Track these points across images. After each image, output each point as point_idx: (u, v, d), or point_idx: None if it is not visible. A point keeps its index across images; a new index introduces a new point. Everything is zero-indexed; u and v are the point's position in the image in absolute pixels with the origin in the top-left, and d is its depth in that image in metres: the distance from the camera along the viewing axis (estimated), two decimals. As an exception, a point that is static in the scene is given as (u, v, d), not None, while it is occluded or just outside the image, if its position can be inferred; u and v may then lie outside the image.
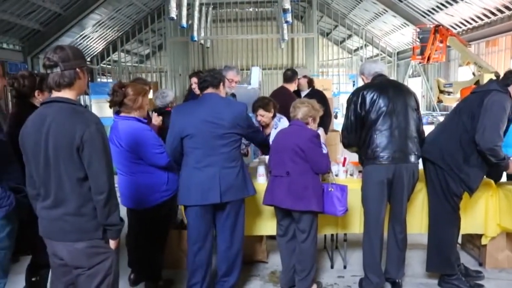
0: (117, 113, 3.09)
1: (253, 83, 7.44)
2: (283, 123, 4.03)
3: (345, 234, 3.65)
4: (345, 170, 3.60)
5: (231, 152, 2.90)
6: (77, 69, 2.00)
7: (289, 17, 13.07)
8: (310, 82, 5.57)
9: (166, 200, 3.09)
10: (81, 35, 17.51)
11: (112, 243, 2.11)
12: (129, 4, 17.42)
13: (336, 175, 3.52)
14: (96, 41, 19.21)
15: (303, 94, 5.27)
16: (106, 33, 19.19)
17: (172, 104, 4.43)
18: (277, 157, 3.07)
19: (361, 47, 19.81)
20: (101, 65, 20.14)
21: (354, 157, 3.50)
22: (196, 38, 15.73)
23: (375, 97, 3.06)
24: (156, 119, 3.84)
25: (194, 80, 4.87)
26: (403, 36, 17.30)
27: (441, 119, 3.27)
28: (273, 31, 20.33)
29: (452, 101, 11.02)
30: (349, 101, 3.17)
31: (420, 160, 3.22)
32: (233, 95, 4.34)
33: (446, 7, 12.57)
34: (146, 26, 19.41)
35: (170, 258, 3.54)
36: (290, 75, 5.08)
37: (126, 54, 20.85)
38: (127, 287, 3.28)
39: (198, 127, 2.85)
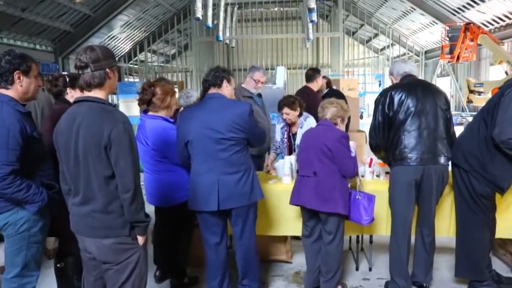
0: (144, 112, 3.14)
1: (278, 82, 7.44)
2: (309, 122, 4.02)
3: (370, 236, 3.60)
4: (371, 171, 3.56)
5: (232, 157, 2.73)
6: (107, 69, 2.06)
7: (314, 17, 12.99)
8: (328, 83, 5.54)
9: (190, 198, 3.12)
10: (109, 36, 17.90)
11: (140, 239, 2.16)
12: (156, 5, 17.68)
13: (362, 176, 3.48)
14: (124, 42, 19.59)
15: (321, 94, 5.24)
16: (134, 34, 19.54)
17: (195, 103, 4.47)
18: (305, 156, 3.06)
19: (388, 46, 19.51)
20: (128, 65, 20.50)
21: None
22: (221, 38, 15.83)
23: (403, 97, 3.01)
24: None
25: None
26: (431, 34, 16.93)
27: (471, 120, 3.18)
28: (298, 31, 20.26)
29: (482, 102, 10.73)
30: (376, 102, 3.13)
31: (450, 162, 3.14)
32: (259, 95, 4.35)
33: (478, 4, 12.25)
34: (172, 26, 19.66)
35: (195, 256, 3.57)
36: (310, 74, 5.07)
37: (152, 54, 21.18)
38: (153, 284, 3.33)
39: (196, 133, 2.74)
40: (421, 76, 17.11)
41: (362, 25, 19.93)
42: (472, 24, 11.87)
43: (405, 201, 3.05)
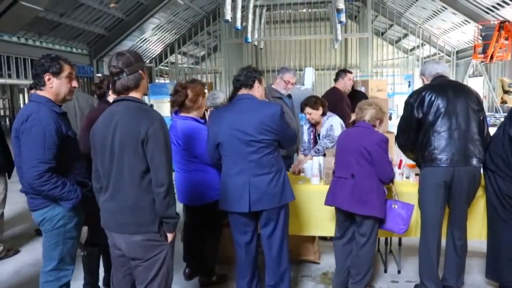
0: (175, 112, 3.22)
1: (306, 83, 7.45)
2: (331, 120, 4.04)
3: (399, 238, 3.56)
4: (401, 173, 3.52)
5: (263, 159, 2.69)
6: (139, 71, 2.16)
7: (343, 17, 12.91)
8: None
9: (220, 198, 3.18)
10: (141, 39, 18.33)
11: (169, 236, 2.21)
12: (186, 8, 17.98)
13: (391, 178, 3.45)
14: (155, 44, 20.00)
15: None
16: (164, 36, 19.93)
17: (222, 105, 4.54)
18: (342, 158, 3.04)
19: (418, 47, 19.15)
20: (159, 66, 20.89)
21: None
22: (250, 40, 15.93)
23: (433, 98, 2.98)
24: None
25: None
26: (463, 34, 16.51)
27: (504, 120, 3.14)
28: (327, 32, 20.16)
29: (517, 102, 10.39)
30: (406, 103, 3.10)
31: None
32: (289, 96, 4.38)
33: (514, 1, 11.86)
34: (202, 28, 19.93)
35: (224, 254, 3.63)
36: (336, 74, 5.11)
37: (182, 56, 21.53)
38: (182, 281, 3.40)
39: (226, 135, 2.72)
40: (452, 77, 16.71)
41: (391, 25, 19.63)
42: (507, 23, 11.50)
43: (434, 203, 3.01)
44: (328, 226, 3.39)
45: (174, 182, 2.52)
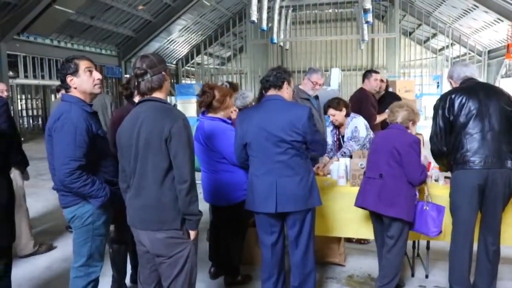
0: (203, 113, 3.25)
1: (332, 84, 7.39)
2: (355, 121, 3.99)
3: (427, 242, 3.49)
4: (429, 175, 3.45)
5: (290, 160, 2.67)
6: (163, 72, 2.21)
7: (369, 17, 12.78)
8: (386, 85, 5.41)
9: (246, 198, 3.19)
10: (168, 40, 18.60)
11: (192, 234, 2.23)
12: (213, 9, 18.14)
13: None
14: (182, 45, 20.25)
15: (377, 96, 5.13)
16: (191, 37, 20.16)
17: (251, 104, 4.55)
18: (373, 159, 3.03)
19: (447, 46, 18.72)
20: (186, 67, 21.14)
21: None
22: (275, 40, 15.94)
23: (463, 100, 2.90)
24: None
25: None
26: (495, 33, 16.02)
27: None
28: (353, 32, 19.95)
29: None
30: (436, 107, 3.03)
31: None
32: (317, 97, 4.36)
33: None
34: (228, 29, 20.06)
35: (249, 255, 3.64)
36: (363, 75, 5.03)
37: (208, 57, 21.73)
38: (208, 280, 3.43)
39: (254, 135, 2.72)
40: (483, 77, 16.28)
41: (419, 25, 19.25)
42: (543, 21, 11.10)
43: (467, 207, 2.93)
44: (354, 227, 3.35)
45: (200, 182, 2.55)
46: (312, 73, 4.19)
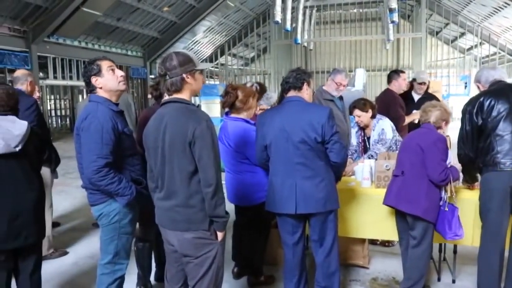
0: (226, 113, 3.27)
1: (357, 85, 7.32)
2: (381, 123, 3.94)
3: (454, 246, 3.41)
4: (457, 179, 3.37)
5: (310, 162, 2.67)
6: (183, 75, 2.16)
7: (395, 17, 12.57)
8: (427, 86, 5.29)
9: (269, 199, 3.19)
10: (192, 41, 18.78)
11: (219, 235, 2.23)
12: (237, 10, 18.22)
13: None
14: (206, 46, 20.41)
15: (416, 97, 5.04)
16: (215, 38, 20.29)
17: (275, 105, 4.55)
18: (399, 157, 3.03)
19: (476, 46, 18.22)
20: (210, 68, 21.30)
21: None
22: (299, 41, 15.88)
23: (492, 102, 2.83)
24: None
25: None
26: (528, 32, 15.51)
27: None
28: (378, 32, 19.69)
29: None
30: (463, 111, 2.97)
31: None
32: (341, 97, 4.32)
33: None
34: (252, 30, 20.11)
35: (272, 255, 3.64)
36: (388, 75, 4.95)
37: (232, 58, 21.85)
38: (231, 280, 3.45)
39: (274, 136, 2.72)
40: (514, 78, 15.73)
41: (447, 24, 18.83)
42: None
43: (498, 210, 2.84)
44: (378, 229, 3.32)
45: (224, 182, 2.56)
46: (336, 73, 4.16)
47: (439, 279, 3.47)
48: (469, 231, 3.17)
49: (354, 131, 4.16)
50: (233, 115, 3.19)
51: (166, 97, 3.09)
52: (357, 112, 3.91)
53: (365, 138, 4.07)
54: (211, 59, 21.39)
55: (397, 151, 3.21)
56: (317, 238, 2.81)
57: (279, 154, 2.74)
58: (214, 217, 2.17)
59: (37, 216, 2.62)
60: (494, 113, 2.82)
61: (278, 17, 12.40)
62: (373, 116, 3.94)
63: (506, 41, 17.83)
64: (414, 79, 5.11)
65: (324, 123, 2.64)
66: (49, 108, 15.52)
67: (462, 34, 18.84)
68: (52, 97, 16.09)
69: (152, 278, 3.33)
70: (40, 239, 2.71)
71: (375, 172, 3.41)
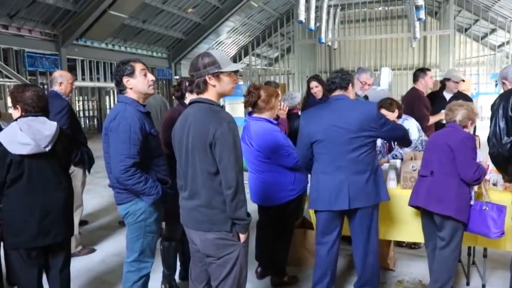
0: (249, 113, 3.28)
1: (382, 84, 7.19)
2: (407, 124, 3.86)
3: (484, 249, 3.31)
4: (487, 179, 3.27)
5: (361, 157, 2.75)
6: (206, 77, 2.15)
7: (422, 14, 12.33)
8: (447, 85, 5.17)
9: (292, 199, 3.18)
10: (216, 41, 18.89)
11: (242, 237, 2.22)
12: (260, 10, 18.22)
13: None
14: (230, 46, 20.50)
15: (448, 96, 4.92)
16: (239, 39, 20.36)
17: (299, 105, 4.53)
18: (426, 157, 2.99)
19: (507, 42, 17.63)
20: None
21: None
22: (323, 40, 15.76)
23: None
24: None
25: (314, 84, 4.89)
26: None
27: None
28: (404, 30, 19.31)
29: None
30: (495, 106, 2.86)
31: None
32: (366, 97, 4.27)
33: None
34: (276, 30, 20.07)
35: (295, 256, 3.63)
36: (414, 74, 4.83)
37: (256, 58, 21.85)
38: (254, 280, 3.45)
39: (325, 132, 2.78)
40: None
41: (476, 20, 18.31)
42: None
43: None
44: (404, 231, 3.25)
45: (246, 182, 2.57)
46: (361, 72, 4.12)
47: (468, 283, 3.38)
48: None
49: None
50: (255, 115, 3.20)
51: (188, 97, 3.16)
52: (383, 111, 3.85)
53: None
54: (235, 59, 21.45)
55: (423, 151, 3.14)
56: (364, 232, 2.86)
57: (330, 150, 2.79)
58: (235, 219, 2.16)
59: (66, 215, 2.69)
60: None
61: (302, 17, 12.34)
62: (399, 116, 3.88)
63: (539, 37, 17.22)
64: (446, 78, 4.99)
65: (375, 118, 2.76)
66: (77, 109, 15.91)
67: (493, 30, 18.27)
68: (81, 98, 16.49)
69: (176, 277, 3.36)
70: (69, 236, 2.78)
71: (401, 173, 3.35)
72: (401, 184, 3.32)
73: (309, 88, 5.01)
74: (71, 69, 14.02)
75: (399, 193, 3.25)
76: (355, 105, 2.87)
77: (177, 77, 17.49)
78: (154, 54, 17.22)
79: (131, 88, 2.55)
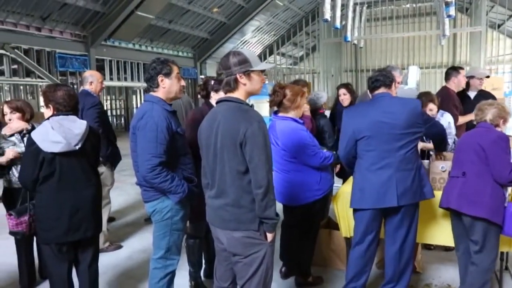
0: (275, 112, 3.27)
1: (410, 83, 7.04)
2: (446, 117, 3.85)
3: (518, 253, 3.21)
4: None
5: (408, 154, 2.74)
6: (237, 75, 2.15)
7: (452, 11, 11.99)
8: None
9: (317, 199, 3.15)
10: (241, 41, 18.93)
11: (269, 236, 2.21)
12: (285, 9, 18.15)
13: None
14: (255, 46, 20.49)
15: (472, 95, 4.79)
16: (264, 38, 20.34)
17: (324, 105, 4.49)
18: (457, 157, 2.92)
19: (545, 39, 16.94)
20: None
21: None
22: (349, 39, 15.53)
23: None
24: None
25: (343, 91, 4.88)
26: None
27: None
28: (433, 27, 18.83)
29: None
30: None
31: None
32: (395, 95, 4.21)
33: None
34: (301, 29, 19.93)
35: (320, 256, 3.60)
36: (446, 72, 4.72)
37: (281, 57, 21.77)
38: (278, 279, 3.43)
39: (373, 129, 2.77)
40: None
41: (510, 16, 17.71)
42: None
43: None
44: (433, 233, 3.17)
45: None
46: (390, 70, 4.03)
47: (499, 288, 3.28)
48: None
49: None
50: (281, 114, 3.19)
51: (213, 96, 3.18)
52: (431, 105, 3.82)
53: None
54: (260, 58, 21.44)
55: (453, 152, 3.06)
56: (403, 230, 2.83)
57: (379, 147, 2.77)
58: (263, 218, 2.15)
59: (95, 211, 2.75)
60: None
61: (328, 15, 12.19)
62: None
63: None
64: (470, 76, 4.84)
65: (419, 113, 2.78)
66: (105, 108, 16.23)
67: (528, 26, 17.64)
68: (108, 97, 16.83)
69: (201, 274, 3.39)
70: (98, 232, 2.84)
71: (430, 173, 3.28)
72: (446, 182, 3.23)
73: (338, 95, 5.00)
74: (100, 69, 14.33)
75: (428, 194, 3.18)
76: (401, 101, 2.85)
77: (203, 76, 17.63)
78: (180, 53, 17.41)
79: (164, 88, 2.58)
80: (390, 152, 2.74)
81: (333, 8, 12.58)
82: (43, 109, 2.81)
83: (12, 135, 3.27)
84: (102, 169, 3.93)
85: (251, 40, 19.65)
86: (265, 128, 2.13)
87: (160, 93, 2.59)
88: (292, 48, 21.72)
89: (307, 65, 21.72)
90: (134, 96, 17.63)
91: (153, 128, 2.44)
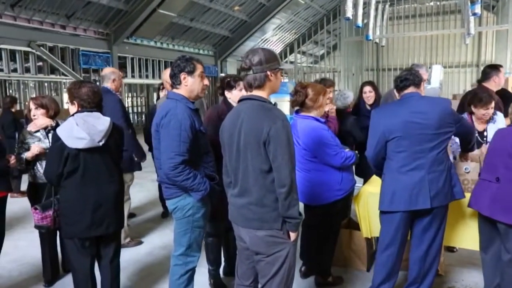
0: (296, 112, 3.25)
1: (433, 82, 6.91)
2: (500, 116, 3.72)
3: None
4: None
5: (439, 154, 2.68)
6: (267, 72, 2.14)
7: (478, 9, 11.74)
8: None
9: (339, 199, 3.12)
10: (262, 39, 18.93)
11: (292, 235, 2.20)
12: (307, 7, 18.06)
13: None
14: (275, 44, 20.47)
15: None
16: (284, 36, 20.29)
17: (351, 104, 4.43)
18: (490, 159, 2.79)
19: None
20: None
21: None
22: (371, 37, 15.37)
23: None
24: None
25: (368, 88, 4.77)
26: None
27: None
28: (457, 26, 18.44)
29: None
30: None
31: None
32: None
33: None
34: (322, 27, 19.82)
35: (340, 257, 3.57)
36: (486, 71, 4.48)
37: (302, 55, 21.69)
38: (298, 279, 3.41)
39: (404, 130, 2.69)
40: None
41: (539, 14, 17.15)
42: None
43: None
44: (456, 236, 3.10)
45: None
46: (415, 68, 3.96)
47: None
48: None
49: None
50: (303, 113, 3.17)
51: (227, 94, 3.16)
52: (492, 104, 3.67)
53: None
54: (280, 57, 21.41)
55: (482, 153, 2.97)
56: (432, 232, 2.79)
57: (411, 147, 2.70)
58: (287, 217, 2.13)
59: (117, 207, 2.79)
60: None
61: (349, 13, 12.08)
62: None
63: None
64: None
65: (450, 113, 2.72)
66: (127, 105, 16.47)
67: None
68: (129, 94, 17.06)
69: (220, 272, 3.40)
70: (119, 228, 2.88)
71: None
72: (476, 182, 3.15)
73: (361, 92, 4.87)
74: (122, 67, 14.55)
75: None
76: (432, 101, 2.78)
77: (223, 74, 17.70)
78: (201, 51, 17.52)
79: (186, 85, 2.58)
80: (422, 153, 2.67)
81: (355, 6, 12.46)
82: (66, 106, 2.86)
83: (37, 131, 3.34)
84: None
85: (271, 38, 19.63)
86: (289, 126, 2.12)
87: (182, 90, 2.59)
88: (313, 46, 21.62)
89: (327, 63, 21.58)
90: (155, 94, 17.80)
91: (177, 126, 2.45)
